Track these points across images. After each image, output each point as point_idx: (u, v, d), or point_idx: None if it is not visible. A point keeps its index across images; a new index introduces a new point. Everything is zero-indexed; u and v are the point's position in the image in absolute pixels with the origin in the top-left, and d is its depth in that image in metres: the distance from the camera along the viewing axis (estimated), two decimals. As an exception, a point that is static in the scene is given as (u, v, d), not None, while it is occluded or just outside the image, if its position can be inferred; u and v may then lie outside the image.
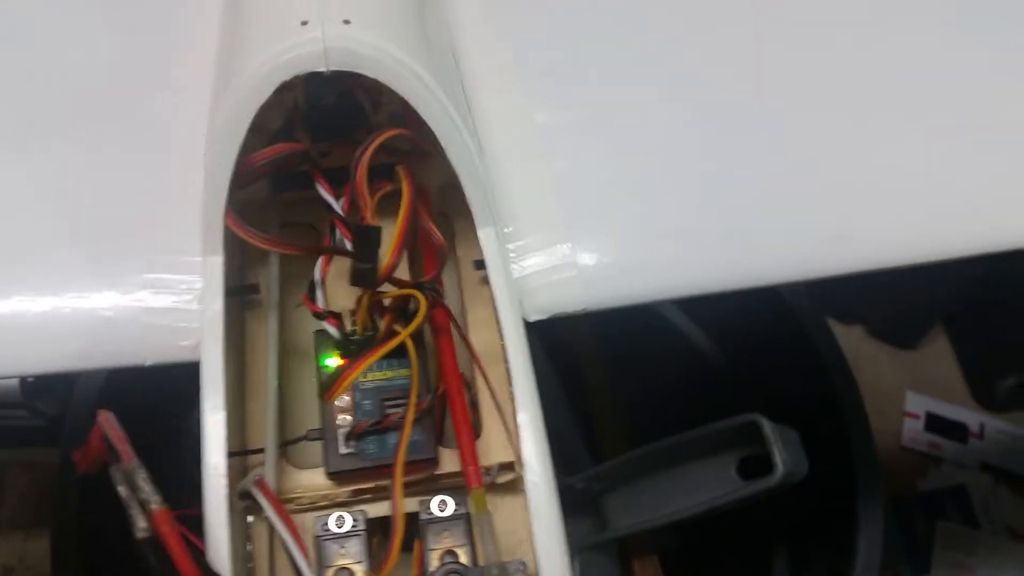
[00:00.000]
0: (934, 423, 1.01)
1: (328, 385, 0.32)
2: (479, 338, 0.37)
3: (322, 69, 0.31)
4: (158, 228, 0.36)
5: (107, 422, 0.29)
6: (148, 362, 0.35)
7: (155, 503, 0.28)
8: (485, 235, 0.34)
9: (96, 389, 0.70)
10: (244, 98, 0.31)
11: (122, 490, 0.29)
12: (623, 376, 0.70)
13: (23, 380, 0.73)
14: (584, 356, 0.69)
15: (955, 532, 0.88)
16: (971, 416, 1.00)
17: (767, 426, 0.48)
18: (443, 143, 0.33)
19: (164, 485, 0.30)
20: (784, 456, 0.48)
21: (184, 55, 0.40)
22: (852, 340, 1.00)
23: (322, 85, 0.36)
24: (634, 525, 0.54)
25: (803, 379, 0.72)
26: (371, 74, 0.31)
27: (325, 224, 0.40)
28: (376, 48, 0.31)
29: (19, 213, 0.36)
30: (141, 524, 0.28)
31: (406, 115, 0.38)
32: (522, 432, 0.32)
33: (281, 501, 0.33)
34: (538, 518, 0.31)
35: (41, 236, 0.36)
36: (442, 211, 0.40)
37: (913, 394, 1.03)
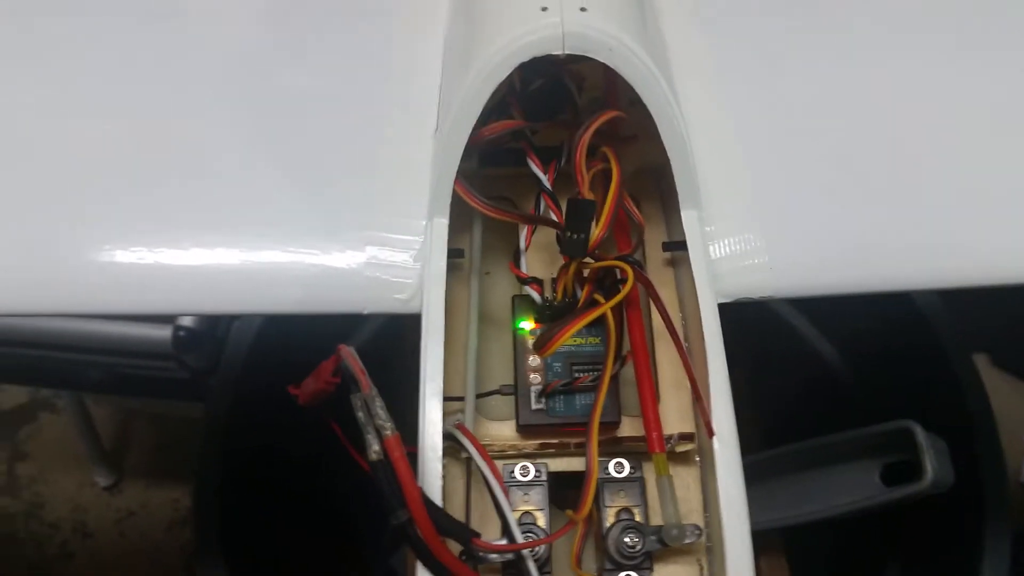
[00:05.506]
0: (1056, 463, 0.97)
1: (541, 343, 0.35)
2: (655, 318, 0.39)
3: (558, 52, 0.34)
4: (381, 193, 0.40)
5: (349, 355, 0.33)
6: (366, 311, 0.38)
7: (389, 429, 0.31)
8: (688, 217, 0.36)
9: (246, 347, 0.75)
10: (486, 76, 0.34)
11: (360, 416, 0.32)
12: (758, 379, 0.71)
13: (176, 333, 0.74)
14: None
15: (1070, 578, 0.85)
16: (1098, 458, 0.96)
17: (920, 433, 0.49)
18: (660, 128, 0.35)
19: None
20: (934, 464, 0.49)
21: (407, 40, 0.44)
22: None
23: (536, 69, 0.38)
24: (768, 522, 0.56)
25: (937, 401, 0.71)
26: (602, 59, 0.34)
27: (523, 199, 0.43)
28: (609, 35, 0.34)
29: (259, 171, 0.40)
30: (375, 447, 0.31)
31: (608, 100, 0.41)
32: (714, 402, 0.34)
33: (477, 445, 0.35)
34: (725, 485, 0.33)
35: (278, 191, 0.40)
36: (632, 194, 0.42)
37: (1036, 430, 1.00)
